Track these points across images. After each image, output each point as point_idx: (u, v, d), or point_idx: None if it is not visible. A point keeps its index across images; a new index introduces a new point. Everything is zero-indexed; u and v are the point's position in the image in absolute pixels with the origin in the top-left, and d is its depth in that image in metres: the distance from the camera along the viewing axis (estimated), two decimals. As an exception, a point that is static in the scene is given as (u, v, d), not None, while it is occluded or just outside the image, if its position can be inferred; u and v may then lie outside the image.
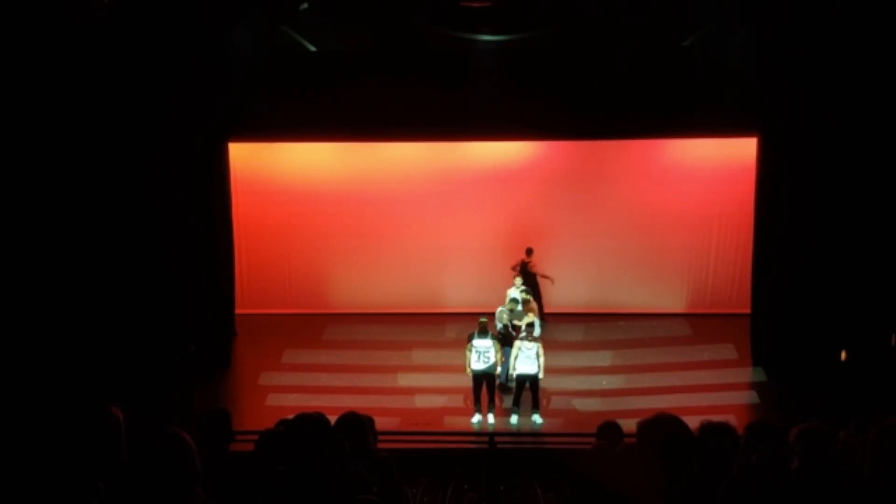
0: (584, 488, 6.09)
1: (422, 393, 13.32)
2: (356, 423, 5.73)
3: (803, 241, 13.65)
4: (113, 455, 4.81)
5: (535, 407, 12.38)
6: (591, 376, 13.82)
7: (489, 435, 10.87)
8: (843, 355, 13.39)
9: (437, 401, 13.03)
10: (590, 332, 15.69)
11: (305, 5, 14.12)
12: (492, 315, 13.68)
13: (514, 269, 15.22)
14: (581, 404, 12.92)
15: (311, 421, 4.69)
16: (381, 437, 6.84)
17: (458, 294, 16.20)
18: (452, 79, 14.78)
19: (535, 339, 12.57)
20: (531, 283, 15.30)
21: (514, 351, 12.47)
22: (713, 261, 16.37)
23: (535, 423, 12.30)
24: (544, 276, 15.48)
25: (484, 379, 12.41)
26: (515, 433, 12.15)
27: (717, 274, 16.36)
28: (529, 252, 15.50)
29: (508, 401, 12.69)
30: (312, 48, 15.00)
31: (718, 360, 14.26)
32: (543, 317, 14.88)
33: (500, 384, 12.89)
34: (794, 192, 13.54)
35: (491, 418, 12.40)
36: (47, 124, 13.20)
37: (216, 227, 14.74)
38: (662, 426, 3.91)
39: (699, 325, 15.78)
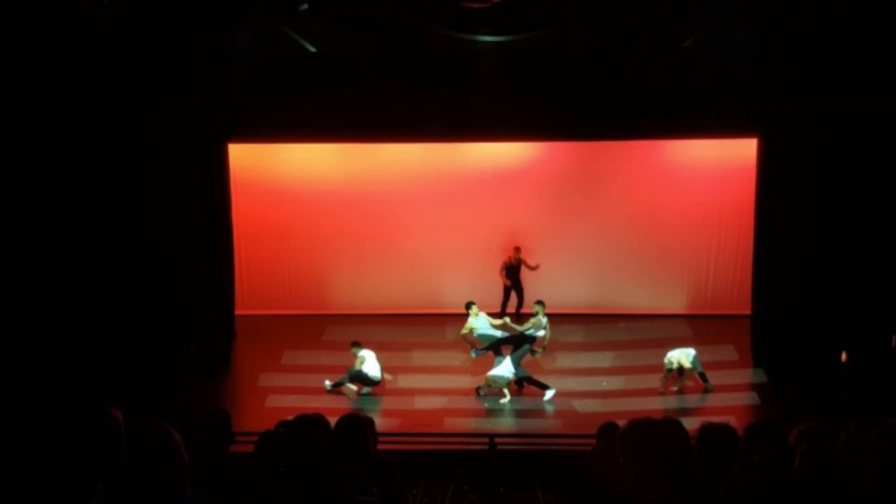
0: (584, 490, 6.08)
1: (422, 394, 13.31)
2: (356, 425, 5.72)
3: (803, 241, 13.64)
4: (112, 456, 4.80)
5: None
6: (591, 377, 13.83)
7: (489, 436, 10.87)
8: (844, 356, 13.38)
9: (438, 402, 13.03)
10: (590, 332, 15.68)
11: (305, 6, 14.12)
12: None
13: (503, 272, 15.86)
14: (581, 405, 12.91)
15: (311, 422, 4.69)
16: (381, 439, 6.82)
17: (457, 295, 16.13)
18: (452, 80, 14.79)
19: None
20: (515, 278, 15.79)
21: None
22: (713, 261, 16.36)
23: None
24: (532, 267, 15.80)
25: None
26: (516, 434, 12.14)
27: (718, 275, 16.35)
28: (517, 250, 15.90)
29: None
30: (312, 49, 15.01)
31: (719, 360, 14.22)
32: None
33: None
34: (794, 192, 13.53)
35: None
36: (48, 125, 13.20)
37: (216, 228, 14.75)
38: (635, 435, 3.90)
39: (699, 325, 15.76)
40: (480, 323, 13.94)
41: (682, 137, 15.86)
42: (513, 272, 15.92)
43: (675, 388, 13.23)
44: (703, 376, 13.22)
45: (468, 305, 14.10)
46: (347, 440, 5.45)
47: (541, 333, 13.86)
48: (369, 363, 13.34)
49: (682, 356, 13.18)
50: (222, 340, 14.99)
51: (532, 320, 13.92)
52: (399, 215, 16.46)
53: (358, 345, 13.55)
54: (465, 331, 13.94)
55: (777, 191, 13.69)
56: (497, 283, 15.98)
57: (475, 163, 16.38)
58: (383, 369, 13.48)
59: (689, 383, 13.35)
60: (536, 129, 15.26)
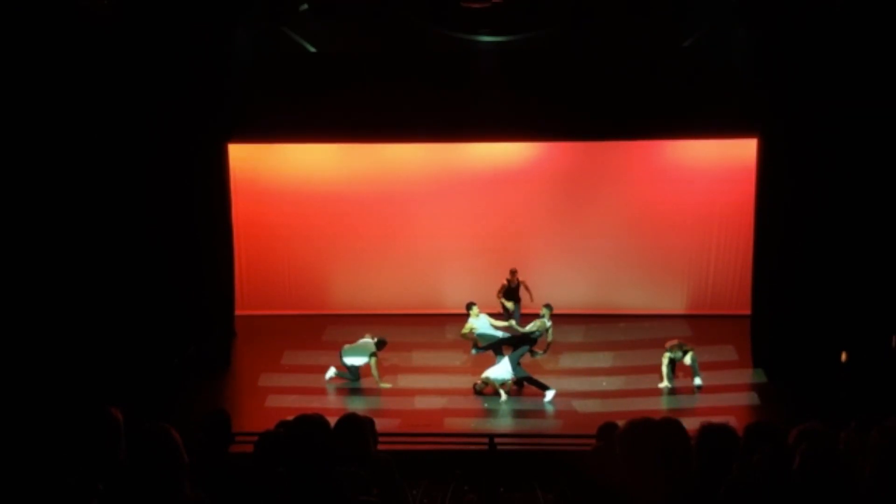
0: (584, 490, 6.08)
1: (422, 394, 13.31)
2: (356, 425, 5.73)
3: (803, 241, 13.64)
4: (112, 456, 4.80)
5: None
6: (591, 377, 13.82)
7: (489, 436, 10.87)
8: (844, 356, 13.37)
9: (437, 402, 13.02)
10: (590, 333, 15.68)
11: (305, 6, 14.13)
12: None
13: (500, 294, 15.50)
14: (581, 405, 12.90)
15: (311, 422, 4.69)
16: (381, 439, 6.82)
17: (457, 295, 16.13)
18: (452, 80, 14.80)
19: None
20: (515, 298, 15.54)
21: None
22: (713, 262, 16.36)
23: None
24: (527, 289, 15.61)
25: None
26: (515, 434, 12.14)
27: (718, 275, 16.35)
28: (514, 272, 15.56)
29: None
30: (312, 49, 15.01)
31: (719, 361, 14.23)
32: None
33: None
34: (794, 192, 13.53)
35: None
36: (48, 125, 13.19)
37: (216, 228, 14.75)
38: (635, 435, 3.90)
39: (699, 326, 15.76)
40: (481, 323, 13.95)
41: (682, 137, 15.85)
42: (512, 294, 15.72)
43: (668, 384, 13.25)
44: (694, 370, 13.23)
45: (469, 306, 14.10)
46: (347, 440, 5.45)
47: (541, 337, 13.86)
48: (354, 355, 13.50)
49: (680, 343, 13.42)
50: (222, 340, 14.98)
51: (536, 322, 13.89)
52: (399, 215, 16.46)
53: (382, 344, 13.69)
54: (465, 330, 13.96)
55: (777, 191, 13.69)
56: (497, 284, 15.93)
57: (475, 163, 16.38)
58: (380, 376, 13.48)
59: (686, 381, 13.39)
60: (536, 129, 15.26)
